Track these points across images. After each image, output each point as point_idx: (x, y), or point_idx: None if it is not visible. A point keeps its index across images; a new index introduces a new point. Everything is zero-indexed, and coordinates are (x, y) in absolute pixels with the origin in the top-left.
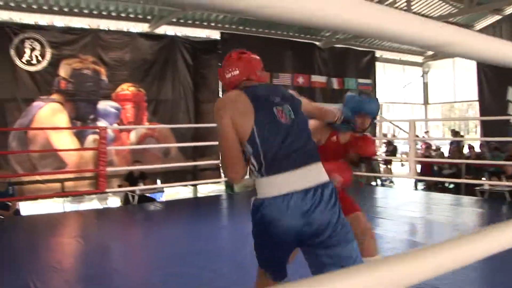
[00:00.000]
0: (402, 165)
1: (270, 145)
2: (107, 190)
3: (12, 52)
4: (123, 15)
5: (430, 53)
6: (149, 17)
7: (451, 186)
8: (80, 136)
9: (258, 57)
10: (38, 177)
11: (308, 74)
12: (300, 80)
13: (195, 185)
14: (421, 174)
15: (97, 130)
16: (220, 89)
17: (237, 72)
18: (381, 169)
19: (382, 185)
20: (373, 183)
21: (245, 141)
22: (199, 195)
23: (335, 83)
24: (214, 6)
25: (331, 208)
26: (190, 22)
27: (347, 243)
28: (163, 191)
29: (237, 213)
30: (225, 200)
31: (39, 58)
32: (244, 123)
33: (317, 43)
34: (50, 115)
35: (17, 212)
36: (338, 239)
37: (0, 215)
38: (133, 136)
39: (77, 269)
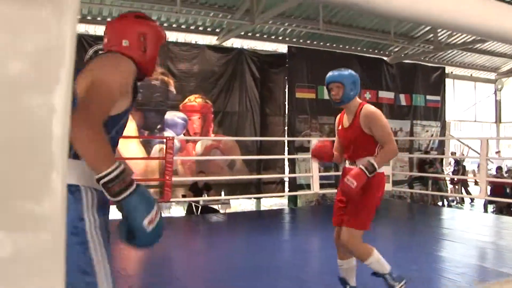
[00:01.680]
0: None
1: None
2: (172, 199)
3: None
4: (192, 27)
5: (504, 69)
6: (217, 30)
7: None
8: (147, 145)
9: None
10: None
11: (375, 89)
12: (367, 95)
13: (258, 198)
14: (492, 196)
15: (164, 140)
16: (286, 103)
17: None
18: (449, 189)
19: (449, 205)
20: (439, 203)
21: None
22: (262, 208)
23: (402, 100)
24: None
25: None
26: (258, 35)
27: None
28: (228, 203)
29: (299, 227)
30: (287, 214)
31: None
32: None
33: (385, 58)
34: None
35: None
36: None
37: None
38: (199, 146)
39: (140, 276)
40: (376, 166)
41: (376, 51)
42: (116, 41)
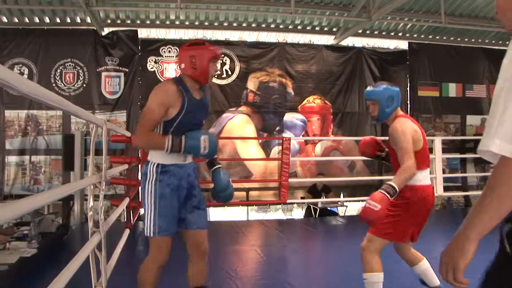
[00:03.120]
0: None
1: None
2: (288, 201)
3: None
4: (308, 28)
5: None
6: (334, 29)
7: None
8: (266, 147)
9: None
10: None
11: None
12: None
13: None
14: None
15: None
16: (409, 102)
17: None
18: None
19: None
20: None
21: None
22: None
23: None
24: None
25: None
26: (376, 32)
27: None
28: (346, 206)
29: (423, 232)
30: None
31: (229, 72)
32: None
33: None
34: (238, 126)
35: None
36: None
37: None
38: (318, 148)
39: (251, 278)
40: (395, 186)
41: (506, 42)
42: (179, 65)
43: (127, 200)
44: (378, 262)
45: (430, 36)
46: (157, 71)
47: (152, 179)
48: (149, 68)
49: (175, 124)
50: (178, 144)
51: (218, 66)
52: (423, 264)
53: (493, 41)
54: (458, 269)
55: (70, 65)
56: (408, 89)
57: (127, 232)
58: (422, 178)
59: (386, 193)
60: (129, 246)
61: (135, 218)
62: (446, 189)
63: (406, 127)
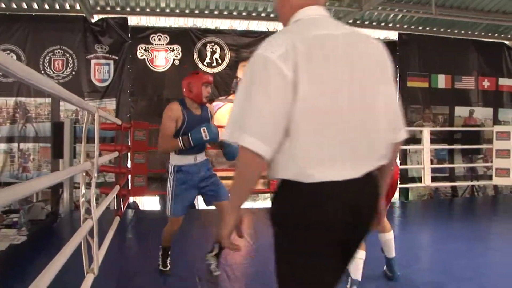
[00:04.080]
0: None
1: None
2: None
3: (195, 55)
4: None
5: None
6: None
7: None
8: None
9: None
10: None
11: (494, 77)
12: (486, 83)
13: None
14: None
15: None
16: (398, 92)
17: None
18: None
19: None
20: None
21: None
22: None
23: None
24: None
25: None
26: (366, 23)
27: None
28: None
29: (410, 222)
30: (398, 208)
31: (219, 60)
32: None
33: (506, 42)
34: (228, 115)
35: (193, 206)
36: None
37: None
38: None
39: (240, 265)
40: None
41: (496, 34)
42: (182, 90)
43: (117, 188)
44: None
45: (420, 27)
46: (147, 59)
47: (171, 177)
48: (139, 56)
49: (181, 132)
50: (187, 139)
51: (210, 89)
52: (388, 235)
53: (483, 33)
54: (225, 236)
55: (59, 52)
56: (397, 79)
57: (117, 219)
58: None
59: None
60: (120, 233)
61: (125, 206)
62: (433, 179)
63: None
